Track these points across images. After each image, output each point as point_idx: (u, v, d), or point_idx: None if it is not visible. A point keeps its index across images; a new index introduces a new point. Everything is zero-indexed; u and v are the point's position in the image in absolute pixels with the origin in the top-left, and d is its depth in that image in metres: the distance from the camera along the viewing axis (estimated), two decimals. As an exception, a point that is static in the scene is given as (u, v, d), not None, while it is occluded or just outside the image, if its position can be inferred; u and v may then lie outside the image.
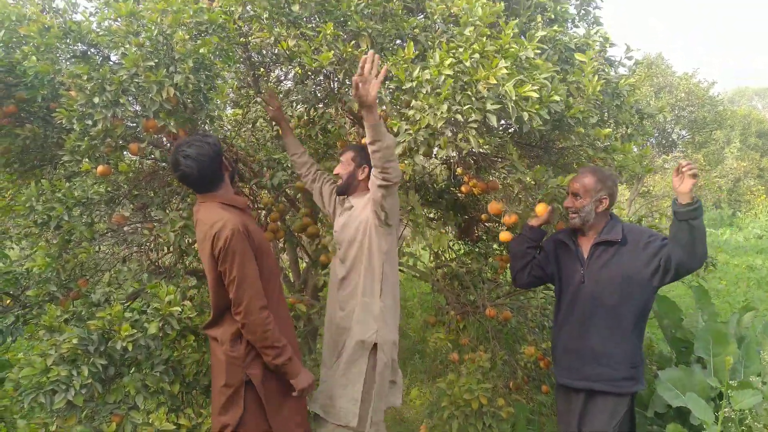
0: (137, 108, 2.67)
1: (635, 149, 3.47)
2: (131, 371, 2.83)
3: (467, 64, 2.49)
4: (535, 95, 2.45)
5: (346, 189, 2.89)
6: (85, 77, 2.50)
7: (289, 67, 3.10)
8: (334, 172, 2.88)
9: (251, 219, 2.63)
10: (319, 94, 3.44)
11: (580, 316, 2.72)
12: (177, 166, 2.43)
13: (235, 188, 2.67)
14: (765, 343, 3.82)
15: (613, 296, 2.65)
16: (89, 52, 2.66)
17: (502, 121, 2.83)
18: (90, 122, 2.52)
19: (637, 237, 2.68)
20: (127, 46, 2.54)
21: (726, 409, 3.12)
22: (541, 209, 2.90)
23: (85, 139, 2.51)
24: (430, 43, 2.88)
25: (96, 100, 2.49)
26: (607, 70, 3.14)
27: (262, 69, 3.84)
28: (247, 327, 2.44)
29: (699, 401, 3.24)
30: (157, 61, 2.54)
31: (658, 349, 4.39)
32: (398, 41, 3.06)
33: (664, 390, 3.39)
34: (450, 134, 2.49)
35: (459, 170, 3.75)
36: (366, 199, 2.78)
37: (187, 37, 2.60)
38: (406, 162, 3.72)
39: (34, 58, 2.72)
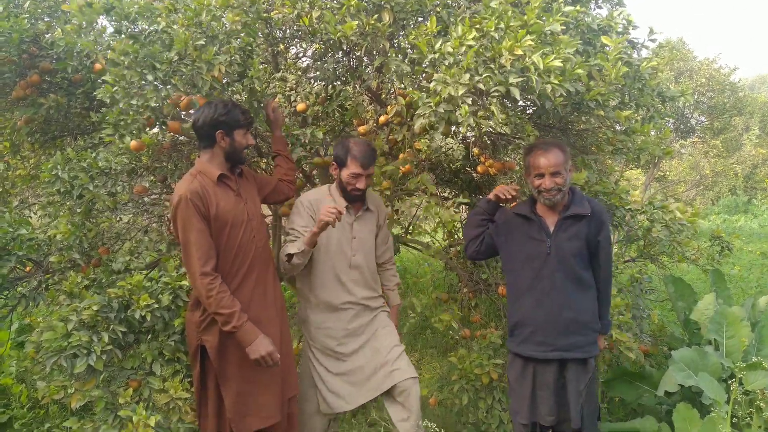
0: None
1: (653, 132, 3.45)
2: (149, 339, 2.89)
3: (494, 35, 2.47)
4: (559, 64, 2.42)
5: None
6: (132, 55, 2.53)
7: (310, 43, 3.10)
8: (360, 186, 2.89)
9: (225, 190, 2.62)
10: (337, 72, 3.44)
11: (548, 288, 2.71)
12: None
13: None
14: (779, 327, 3.82)
15: (579, 265, 2.70)
16: (130, 29, 2.69)
17: (520, 102, 2.82)
18: (136, 101, 2.55)
19: (600, 210, 2.75)
20: (175, 27, 2.59)
21: (738, 389, 3.14)
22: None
23: (131, 113, 2.55)
24: (452, 20, 2.87)
25: (150, 77, 2.54)
26: (629, 52, 3.11)
27: (282, 45, 3.84)
28: (196, 291, 2.52)
29: (711, 381, 3.25)
30: (205, 40, 2.61)
31: (670, 330, 4.40)
32: (419, 18, 3.05)
33: (677, 370, 3.39)
34: (470, 103, 2.47)
35: (476, 150, 3.75)
36: (379, 210, 3.14)
37: (237, 18, 2.70)
38: (423, 140, 3.73)
39: (59, 30, 2.76)
